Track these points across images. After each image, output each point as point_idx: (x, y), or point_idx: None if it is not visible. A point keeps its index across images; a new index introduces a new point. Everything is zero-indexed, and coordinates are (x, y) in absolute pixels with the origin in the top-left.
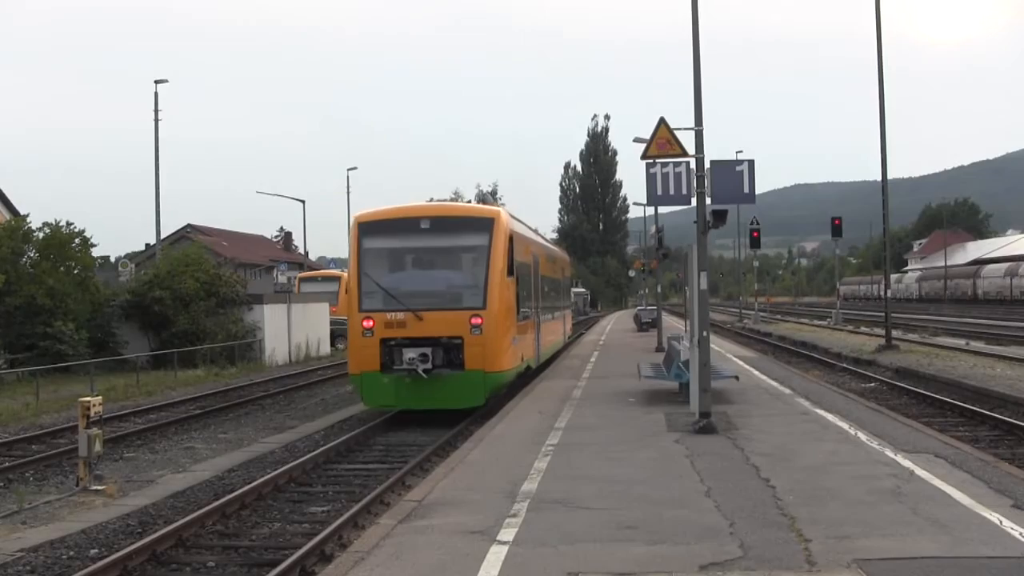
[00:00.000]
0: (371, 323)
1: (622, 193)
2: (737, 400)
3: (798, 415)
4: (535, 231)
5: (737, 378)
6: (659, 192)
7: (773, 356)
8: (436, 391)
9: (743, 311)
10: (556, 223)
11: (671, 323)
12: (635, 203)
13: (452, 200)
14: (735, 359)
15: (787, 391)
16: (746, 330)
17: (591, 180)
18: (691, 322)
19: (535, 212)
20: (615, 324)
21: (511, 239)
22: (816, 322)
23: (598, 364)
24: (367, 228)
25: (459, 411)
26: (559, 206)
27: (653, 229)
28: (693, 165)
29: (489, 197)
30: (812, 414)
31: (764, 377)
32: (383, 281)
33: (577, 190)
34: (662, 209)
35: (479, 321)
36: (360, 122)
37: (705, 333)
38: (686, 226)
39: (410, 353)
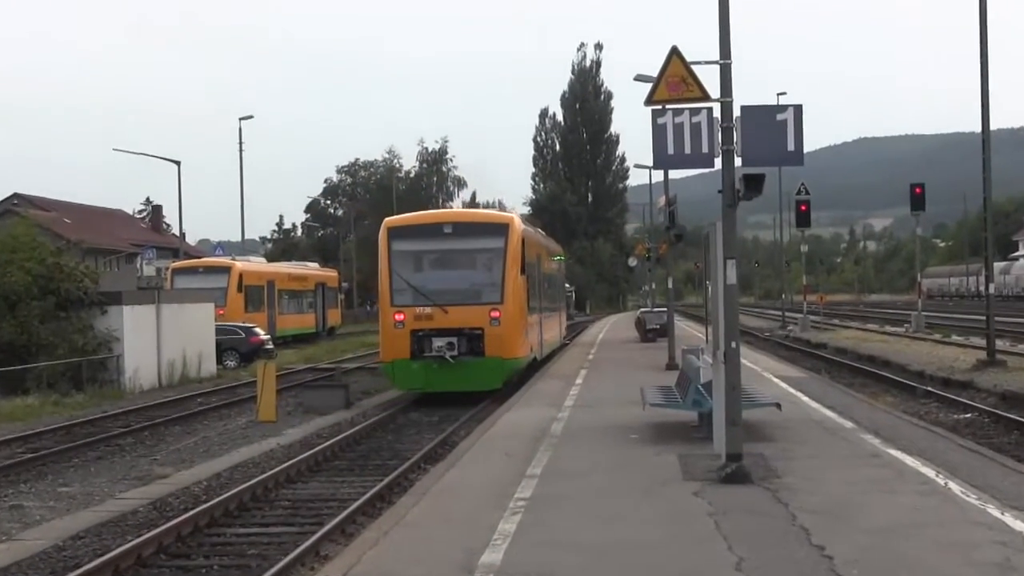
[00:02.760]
0: (402, 316)
1: (619, 152)
2: (779, 437)
3: (864, 457)
4: (536, 229)
5: (779, 406)
6: (670, 151)
7: (828, 376)
8: (460, 375)
9: (787, 314)
10: (528, 192)
11: (687, 331)
12: (637, 166)
13: (386, 162)
14: (776, 380)
15: (848, 424)
16: (791, 340)
17: (576, 134)
18: (714, 329)
19: (499, 178)
20: (610, 332)
21: (523, 241)
22: (889, 329)
23: (586, 387)
24: (396, 232)
25: (475, 395)
26: (532, 169)
27: (662, 202)
28: (717, 113)
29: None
30: (883, 456)
31: (816, 405)
32: (412, 279)
33: (557, 148)
34: (674, 174)
35: (497, 314)
36: (264, 53)
37: (734, 344)
38: (707, 197)
39: (438, 342)
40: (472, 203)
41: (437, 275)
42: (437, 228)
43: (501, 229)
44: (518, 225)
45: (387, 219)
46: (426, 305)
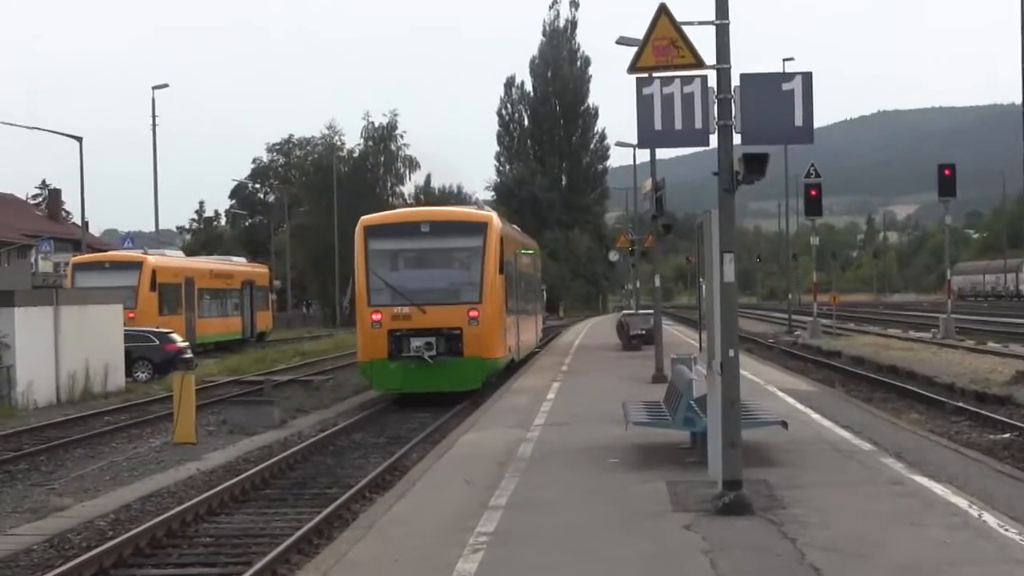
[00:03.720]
0: (379, 316)
1: (598, 127)
2: (785, 461)
3: (884, 485)
4: (512, 226)
5: (785, 425)
6: (658, 126)
7: (843, 389)
8: (439, 376)
9: (794, 317)
10: (492, 175)
11: (678, 337)
12: (619, 144)
13: (324, 139)
14: (781, 394)
15: (866, 446)
16: (799, 347)
17: (548, 107)
18: (709, 334)
19: (458, 158)
20: (587, 338)
21: (501, 240)
22: (913, 334)
23: (559, 402)
24: (373, 231)
25: (452, 398)
26: (496, 148)
27: (648, 186)
28: (713, 82)
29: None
30: (907, 483)
31: (828, 423)
32: (389, 279)
33: (526, 122)
34: (662, 154)
35: (476, 314)
36: (182, 15)
37: (732, 352)
38: (701, 181)
39: (416, 342)
40: (426, 187)
41: (415, 274)
42: (414, 227)
43: (479, 228)
44: (496, 223)
45: (363, 217)
46: (404, 305)
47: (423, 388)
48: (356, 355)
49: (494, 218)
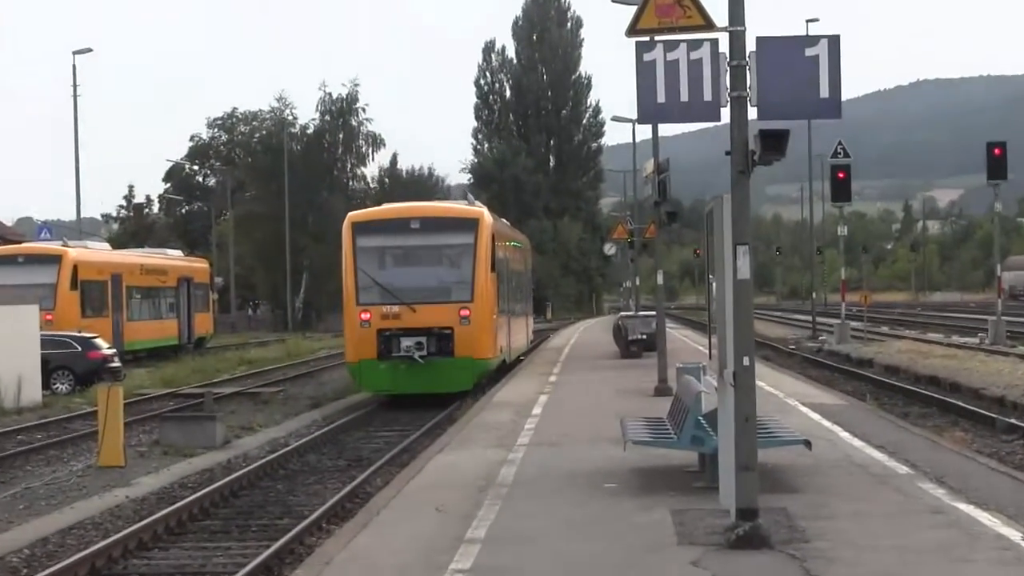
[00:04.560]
0: (368, 315)
1: (591, 100)
2: (807, 487)
3: (923, 514)
4: (502, 220)
5: (808, 444)
6: (661, 98)
7: (875, 404)
8: (429, 376)
9: (818, 319)
10: (468, 154)
11: (684, 342)
12: (615, 119)
13: (274, 114)
14: (804, 409)
15: (902, 469)
16: (824, 354)
17: (534, 75)
18: (720, 339)
19: (431, 137)
20: (579, 343)
21: (493, 237)
22: (957, 339)
23: (546, 418)
24: (361, 228)
25: (445, 399)
26: (474, 123)
27: (649, 167)
28: (725, 47)
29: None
30: (949, 512)
31: (858, 443)
32: (378, 277)
33: (508, 94)
34: (666, 130)
35: (467, 313)
36: None
37: (747, 360)
38: (710, 162)
39: (407, 342)
40: (392, 168)
41: (404, 272)
42: (404, 223)
43: (471, 224)
44: (488, 219)
45: (351, 213)
46: (393, 303)
47: (413, 389)
48: (343, 355)
49: (485, 214)
